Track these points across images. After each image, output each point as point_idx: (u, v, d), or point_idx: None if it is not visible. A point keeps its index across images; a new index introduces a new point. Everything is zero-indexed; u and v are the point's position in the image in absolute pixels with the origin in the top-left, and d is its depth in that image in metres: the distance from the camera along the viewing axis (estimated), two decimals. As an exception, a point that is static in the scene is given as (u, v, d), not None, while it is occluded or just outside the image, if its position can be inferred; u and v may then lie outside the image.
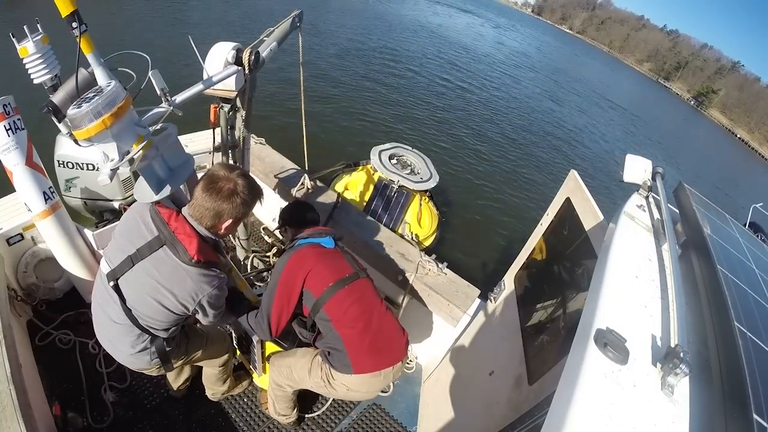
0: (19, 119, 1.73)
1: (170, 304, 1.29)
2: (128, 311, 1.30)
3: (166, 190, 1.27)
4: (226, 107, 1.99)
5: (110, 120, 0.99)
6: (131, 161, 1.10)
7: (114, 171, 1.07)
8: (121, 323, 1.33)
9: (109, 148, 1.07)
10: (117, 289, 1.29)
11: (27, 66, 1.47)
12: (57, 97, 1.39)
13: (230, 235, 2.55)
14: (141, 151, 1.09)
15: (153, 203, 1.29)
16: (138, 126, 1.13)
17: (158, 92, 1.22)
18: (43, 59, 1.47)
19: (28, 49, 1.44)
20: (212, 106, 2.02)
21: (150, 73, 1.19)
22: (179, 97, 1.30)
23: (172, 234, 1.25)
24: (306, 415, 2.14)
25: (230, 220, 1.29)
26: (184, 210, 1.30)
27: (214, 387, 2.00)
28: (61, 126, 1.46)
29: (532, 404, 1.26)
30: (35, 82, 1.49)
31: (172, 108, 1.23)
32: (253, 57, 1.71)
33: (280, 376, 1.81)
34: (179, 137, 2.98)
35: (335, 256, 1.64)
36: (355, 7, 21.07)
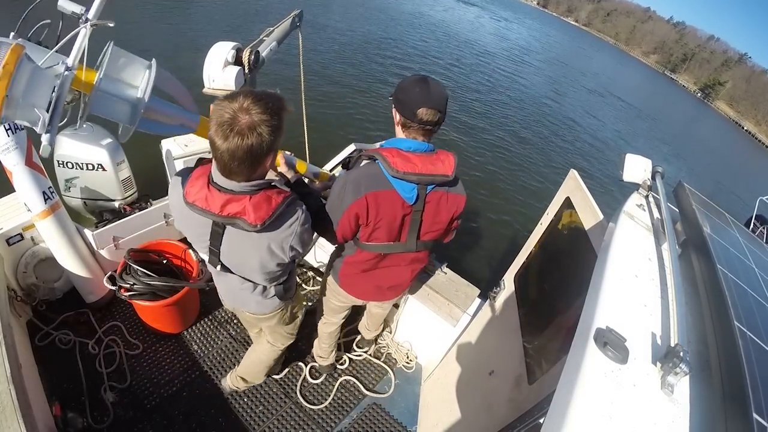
0: (18, 119, 1.73)
1: (265, 267, 1.29)
2: (244, 278, 1.37)
3: (140, 110, 1.06)
4: (226, 107, 1.98)
5: (2, 84, 0.78)
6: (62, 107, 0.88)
7: (52, 132, 0.89)
8: (244, 287, 1.41)
9: (26, 113, 0.86)
10: (226, 268, 1.34)
11: None
12: None
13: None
14: (73, 91, 0.90)
15: (183, 193, 1.13)
16: (49, 68, 0.92)
17: (70, 14, 1.02)
18: None
19: None
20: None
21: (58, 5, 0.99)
22: (92, 9, 1.05)
23: (222, 216, 1.10)
24: (308, 407, 2.17)
25: (270, 155, 1.09)
26: (215, 176, 1.10)
27: (266, 370, 2.08)
28: None
29: (532, 404, 1.26)
30: None
31: (89, 24, 1.01)
32: (252, 57, 1.71)
33: (325, 308, 1.99)
34: (179, 137, 2.96)
35: (404, 217, 1.37)
36: (357, 1, 20.86)
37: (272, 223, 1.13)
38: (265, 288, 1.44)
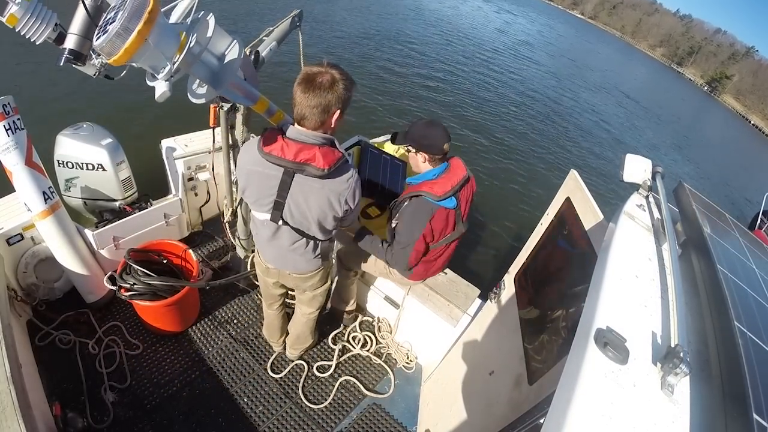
0: (18, 119, 1.74)
1: (323, 219, 1.46)
2: (300, 232, 1.52)
3: (225, 81, 1.16)
4: (226, 106, 1.99)
5: (146, 29, 0.87)
6: (183, 63, 0.97)
7: (171, 79, 0.99)
8: (296, 246, 1.58)
9: (154, 58, 0.96)
10: (285, 223, 1.48)
11: (23, 32, 1.36)
12: (70, 42, 1.32)
13: (231, 235, 2.56)
14: (186, 52, 0.98)
15: (259, 147, 1.32)
16: (174, 24, 1.02)
17: None
18: (36, 15, 1.36)
19: (15, 14, 1.32)
20: (212, 105, 2.02)
21: None
22: None
23: (295, 162, 1.30)
24: (308, 407, 2.16)
25: (338, 111, 1.31)
26: (289, 132, 1.34)
27: (303, 343, 2.28)
28: (87, 69, 1.41)
29: (532, 404, 1.26)
30: (38, 42, 1.40)
31: None
32: (252, 56, 1.71)
33: (351, 262, 2.26)
34: (179, 137, 2.97)
35: (453, 216, 1.80)
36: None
37: (334, 172, 1.33)
38: (315, 246, 1.61)
